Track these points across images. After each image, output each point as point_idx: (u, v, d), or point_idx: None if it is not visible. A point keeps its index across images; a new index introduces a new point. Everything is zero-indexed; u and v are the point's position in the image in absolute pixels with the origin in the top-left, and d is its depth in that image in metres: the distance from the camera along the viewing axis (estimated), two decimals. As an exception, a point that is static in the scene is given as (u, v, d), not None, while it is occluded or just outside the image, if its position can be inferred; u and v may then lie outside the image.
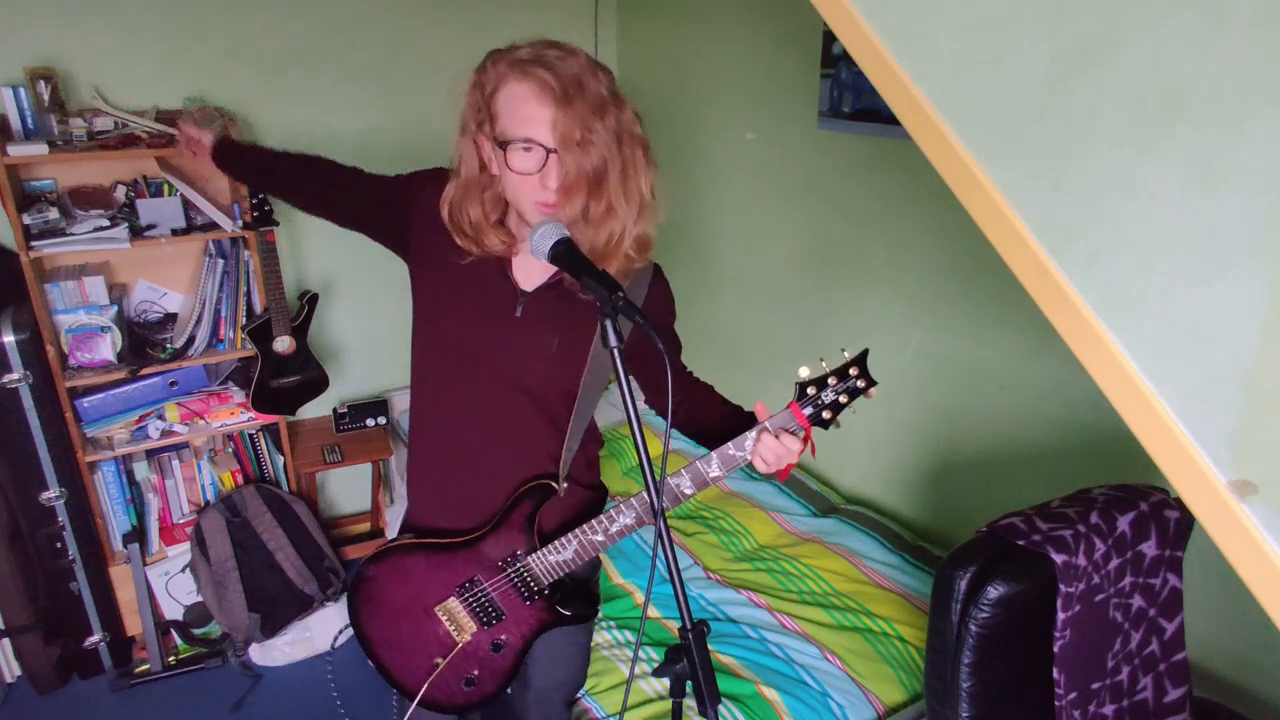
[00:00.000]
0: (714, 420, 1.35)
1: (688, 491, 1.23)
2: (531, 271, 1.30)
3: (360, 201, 1.43)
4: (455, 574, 1.37)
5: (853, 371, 1.17)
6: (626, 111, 1.17)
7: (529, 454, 1.35)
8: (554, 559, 1.33)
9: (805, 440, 1.18)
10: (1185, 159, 0.74)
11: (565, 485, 1.36)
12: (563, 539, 1.32)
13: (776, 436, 1.16)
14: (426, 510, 1.44)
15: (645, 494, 1.20)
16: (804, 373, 1.17)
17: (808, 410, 1.17)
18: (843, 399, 1.16)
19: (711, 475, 1.21)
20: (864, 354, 1.17)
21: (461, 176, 1.22)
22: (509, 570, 1.35)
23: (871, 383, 1.17)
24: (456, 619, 1.38)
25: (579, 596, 1.41)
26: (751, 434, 1.18)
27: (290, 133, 2.81)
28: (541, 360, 1.30)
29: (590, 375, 1.31)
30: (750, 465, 1.21)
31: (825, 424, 1.18)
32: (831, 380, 1.16)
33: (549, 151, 1.12)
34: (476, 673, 1.40)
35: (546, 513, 1.36)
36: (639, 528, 1.28)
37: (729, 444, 1.20)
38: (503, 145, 1.13)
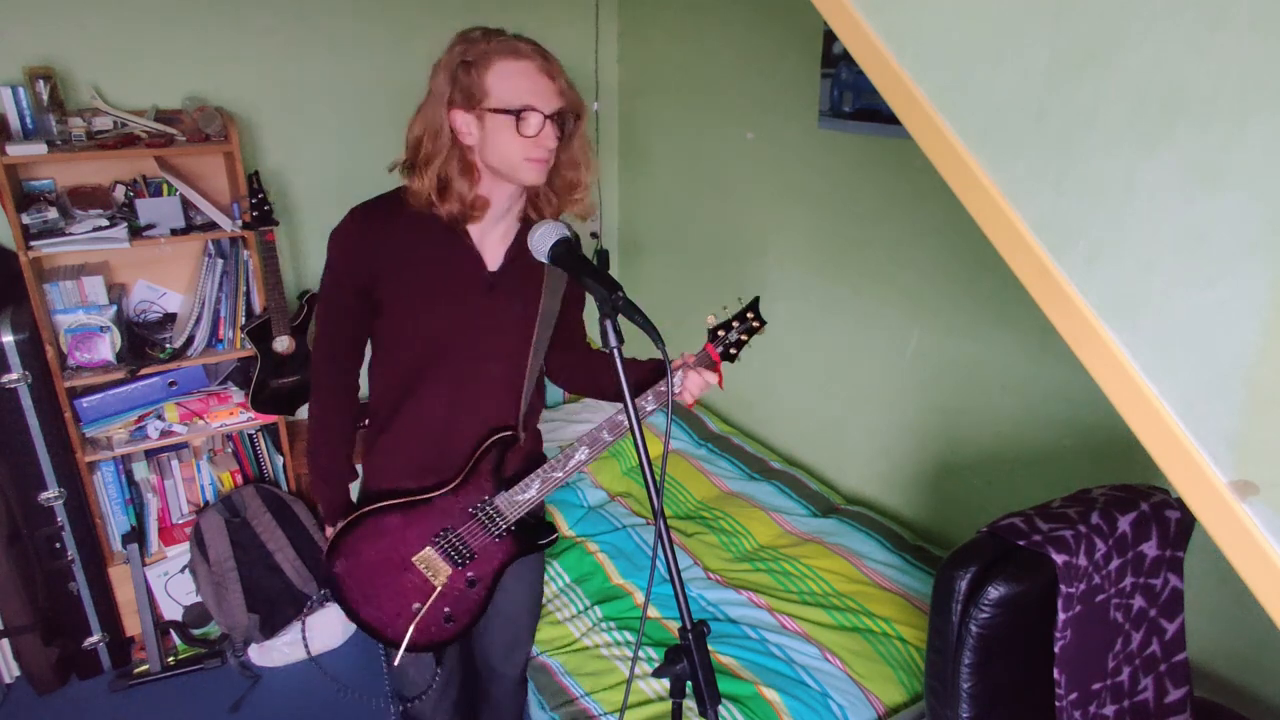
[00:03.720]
0: (632, 379, 1.55)
1: (628, 425, 1.40)
2: (494, 243, 1.44)
3: (364, 333, 1.50)
4: (430, 526, 1.51)
5: (749, 315, 1.47)
6: (570, 79, 1.38)
7: (494, 409, 1.52)
8: (521, 498, 1.50)
9: (718, 373, 1.45)
10: (1185, 159, 0.74)
11: (524, 433, 1.55)
12: (526, 480, 1.49)
13: (699, 373, 1.43)
14: (393, 475, 1.54)
15: (596, 431, 1.44)
16: (712, 320, 1.48)
17: (719, 349, 1.47)
18: (743, 337, 1.47)
19: (648, 410, 1.43)
20: (756, 300, 1.49)
21: (441, 145, 1.34)
22: (479, 514, 1.51)
23: (763, 322, 1.47)
24: (433, 565, 1.51)
25: (541, 526, 1.61)
26: (679, 374, 1.43)
27: (289, 132, 2.81)
28: (508, 327, 1.48)
29: (540, 326, 1.48)
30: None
31: (732, 358, 1.48)
32: (735, 323, 1.47)
33: (546, 117, 1.30)
34: (453, 609, 1.54)
35: (507, 458, 1.54)
36: (592, 461, 1.47)
37: (660, 382, 1.44)
38: (503, 113, 1.29)
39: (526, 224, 1.45)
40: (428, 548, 1.51)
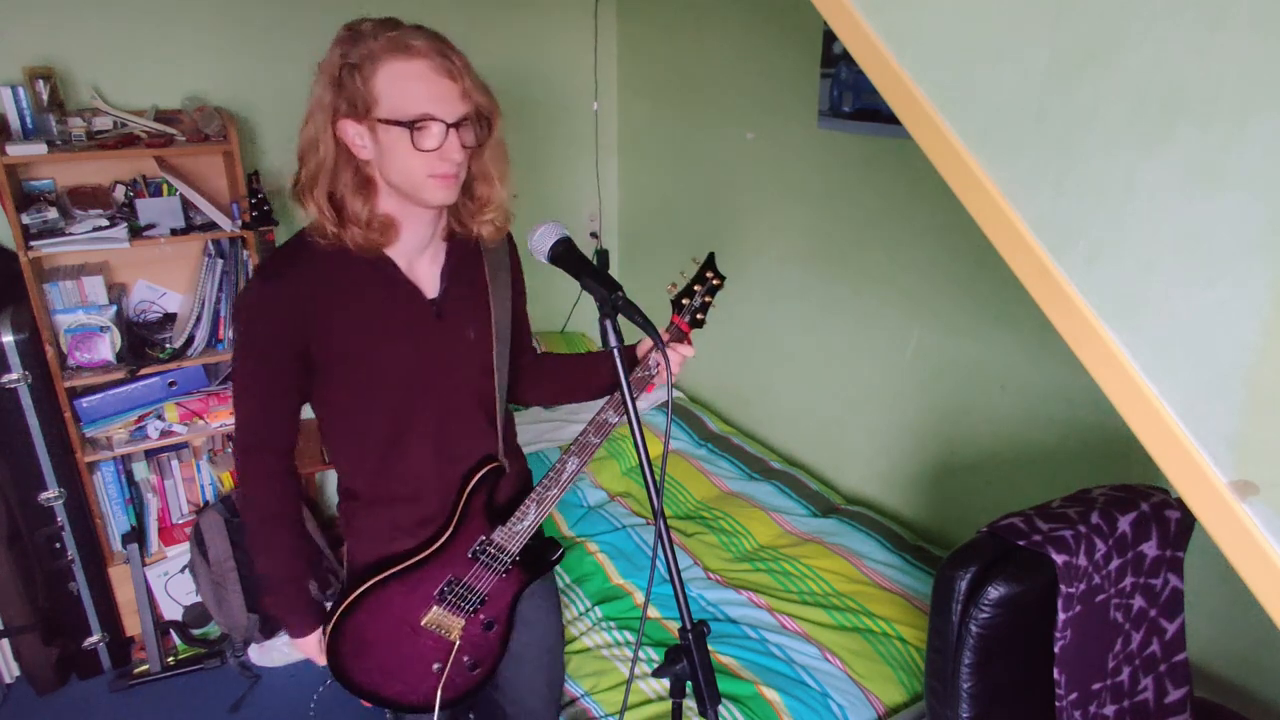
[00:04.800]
0: (605, 375, 1.46)
1: (614, 420, 1.33)
2: (426, 268, 1.32)
3: (300, 398, 1.32)
4: (431, 584, 1.38)
5: (708, 274, 1.38)
6: (479, 77, 1.21)
7: (478, 442, 1.40)
8: (520, 527, 1.38)
9: (689, 343, 1.37)
10: (1186, 159, 0.74)
11: (507, 459, 1.42)
12: (522, 507, 1.38)
13: (673, 349, 1.33)
14: (386, 540, 1.40)
15: (582, 437, 1.33)
16: (672, 289, 1.39)
17: (686, 318, 1.37)
18: (708, 299, 1.38)
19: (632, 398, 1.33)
20: (711, 256, 1.40)
21: (325, 160, 1.18)
22: (482, 556, 1.39)
23: (723, 278, 1.39)
24: (444, 623, 1.40)
25: (546, 547, 1.49)
26: (654, 355, 1.35)
27: (289, 132, 2.80)
28: (467, 352, 1.35)
29: (499, 342, 1.37)
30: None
31: (700, 324, 1.38)
32: (696, 287, 1.37)
33: (448, 126, 1.14)
34: (475, 656, 1.44)
35: (496, 489, 1.43)
36: (583, 469, 1.38)
37: (636, 369, 1.35)
38: (394, 124, 1.13)
39: (453, 241, 1.33)
40: (434, 607, 1.38)
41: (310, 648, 1.41)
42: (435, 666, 1.41)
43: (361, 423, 1.32)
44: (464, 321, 1.34)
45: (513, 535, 1.38)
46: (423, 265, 1.31)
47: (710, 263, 1.40)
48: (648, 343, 1.36)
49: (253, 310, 1.25)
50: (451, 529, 1.37)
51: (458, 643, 1.40)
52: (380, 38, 1.12)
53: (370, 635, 1.38)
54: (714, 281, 1.38)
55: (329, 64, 1.15)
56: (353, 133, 1.16)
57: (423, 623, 1.38)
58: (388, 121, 1.13)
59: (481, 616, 1.42)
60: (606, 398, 1.37)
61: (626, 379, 1.06)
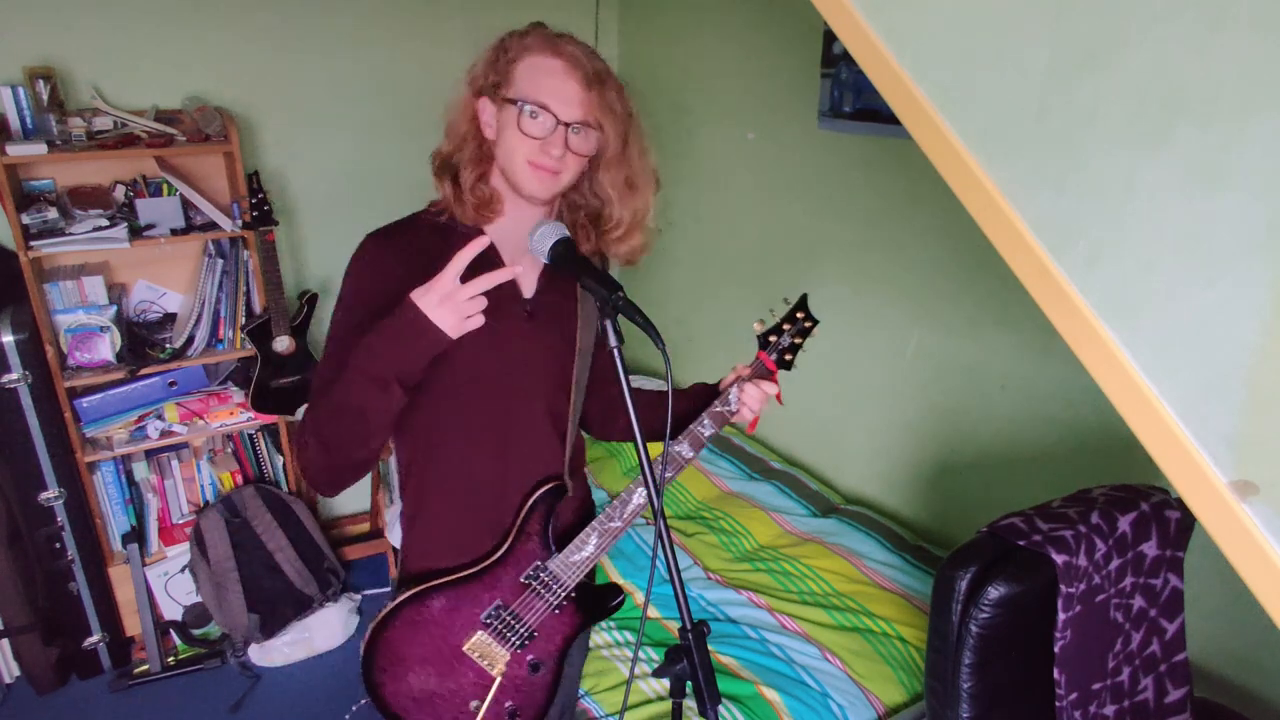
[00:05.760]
0: (682, 409, 1.36)
1: (689, 455, 1.30)
2: (527, 268, 1.30)
3: None
4: (477, 605, 1.30)
5: (799, 315, 1.35)
6: (632, 104, 1.25)
7: (538, 460, 1.33)
8: (577, 558, 1.29)
9: (775, 383, 1.32)
10: (1186, 159, 0.74)
11: (572, 481, 1.35)
12: (582, 535, 1.29)
13: (756, 385, 1.30)
14: (437, 552, 1.34)
15: (650, 469, 1.23)
16: (759, 326, 1.35)
17: (773, 356, 1.33)
18: (797, 340, 1.34)
19: (707, 435, 1.30)
20: (804, 297, 1.37)
21: (459, 129, 1.24)
22: (534, 584, 1.30)
23: (815, 321, 1.35)
24: (488, 653, 1.30)
25: (607, 591, 1.40)
26: (734, 389, 1.31)
27: (289, 132, 2.81)
28: (548, 360, 1.32)
29: (580, 362, 1.34)
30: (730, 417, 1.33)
31: (788, 365, 1.35)
32: (785, 326, 1.34)
33: (560, 124, 1.17)
34: (517, 701, 1.33)
35: (556, 514, 1.34)
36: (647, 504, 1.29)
37: (715, 402, 1.31)
38: (513, 103, 1.18)
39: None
40: (479, 632, 1.28)
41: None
42: (472, 705, 1.31)
43: (431, 403, 1.26)
44: (552, 328, 1.31)
45: (569, 566, 1.30)
46: (525, 265, 1.29)
47: (802, 304, 1.36)
48: (731, 375, 1.33)
49: (355, 263, 1.25)
50: (505, 548, 1.30)
51: (499, 679, 1.31)
52: (540, 35, 1.20)
53: (409, 651, 1.29)
54: (805, 323, 1.35)
55: (491, 47, 1.24)
56: (487, 111, 1.22)
57: (465, 648, 1.29)
58: (509, 100, 1.18)
59: (529, 656, 1.32)
60: (684, 432, 1.30)
61: (626, 378, 1.06)
